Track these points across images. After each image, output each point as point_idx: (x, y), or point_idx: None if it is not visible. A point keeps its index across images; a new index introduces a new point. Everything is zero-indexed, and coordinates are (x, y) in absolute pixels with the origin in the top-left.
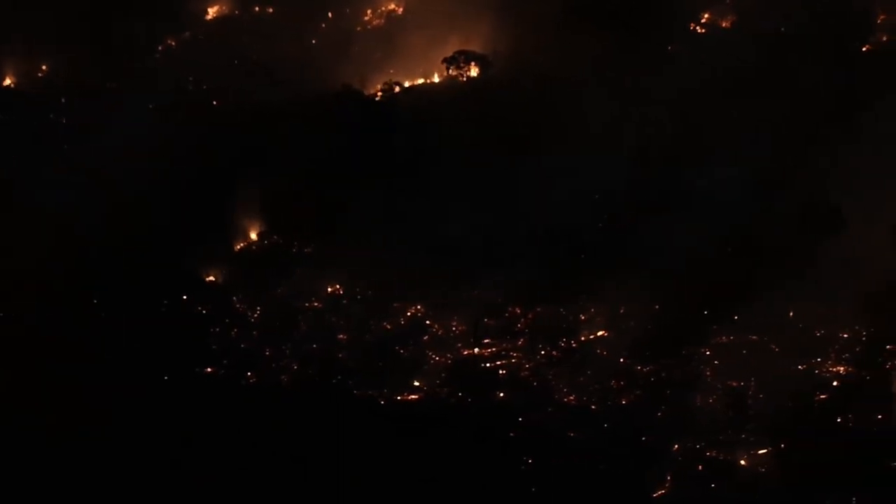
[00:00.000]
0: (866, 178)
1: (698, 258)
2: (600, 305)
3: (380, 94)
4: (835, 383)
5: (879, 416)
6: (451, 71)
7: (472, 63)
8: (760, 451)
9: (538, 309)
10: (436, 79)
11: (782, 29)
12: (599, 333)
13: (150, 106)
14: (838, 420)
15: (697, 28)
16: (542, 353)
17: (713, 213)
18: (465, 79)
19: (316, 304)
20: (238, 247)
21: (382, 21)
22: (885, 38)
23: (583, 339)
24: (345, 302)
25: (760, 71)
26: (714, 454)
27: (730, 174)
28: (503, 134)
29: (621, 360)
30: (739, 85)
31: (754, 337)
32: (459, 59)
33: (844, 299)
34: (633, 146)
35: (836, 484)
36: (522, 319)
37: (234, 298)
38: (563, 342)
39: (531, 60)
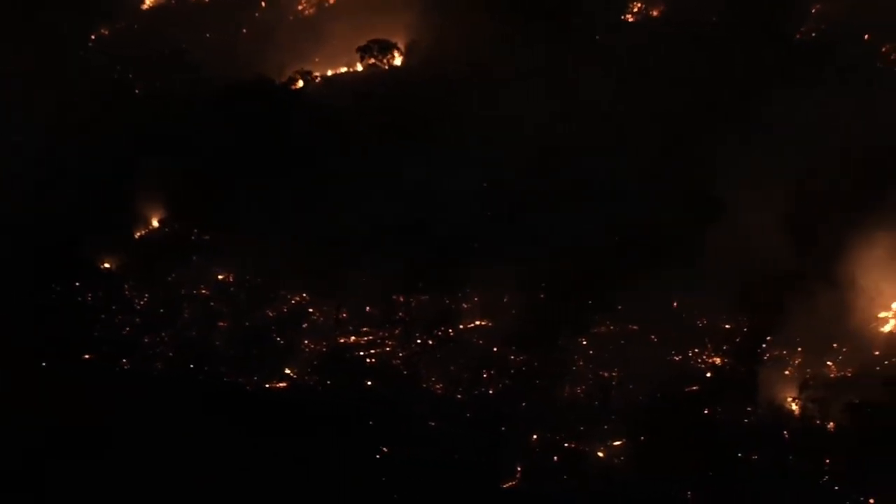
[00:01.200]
0: (753, 168)
1: (582, 247)
2: (483, 294)
3: (295, 83)
4: (708, 374)
5: (748, 409)
6: (370, 60)
7: (390, 52)
8: (617, 443)
9: (421, 297)
10: (359, 68)
11: (713, 19)
12: (478, 322)
13: (74, 96)
14: (705, 412)
15: (628, 17)
16: (418, 341)
17: (599, 202)
18: (387, 68)
19: (203, 291)
20: (138, 234)
21: (314, 10)
22: (821, 27)
23: (461, 327)
24: (232, 289)
25: (675, 61)
26: (573, 445)
27: (619, 164)
28: (407, 124)
29: (495, 349)
30: (648, 75)
31: (634, 327)
32: (374, 49)
33: (727, 290)
34: (531, 136)
35: (694, 477)
36: (403, 308)
37: (126, 286)
38: (440, 331)
39: (454, 50)
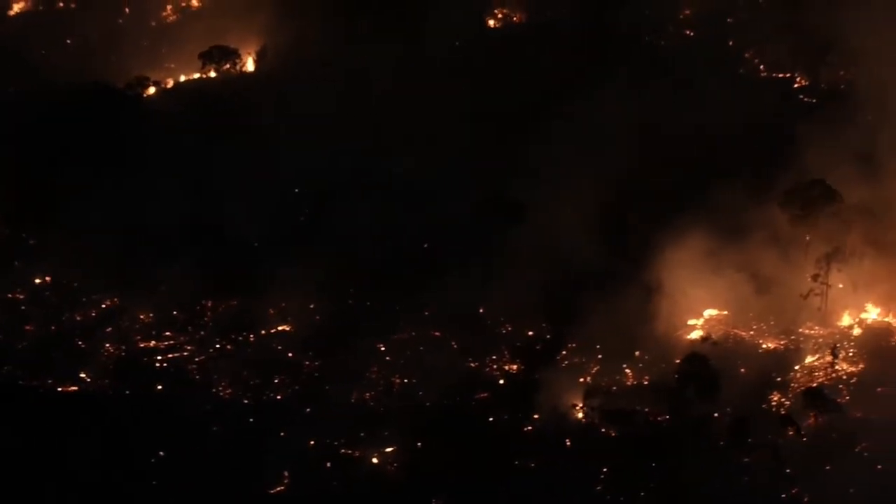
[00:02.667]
0: (563, 170)
1: (390, 251)
2: (288, 299)
3: (145, 87)
4: (501, 381)
5: (535, 416)
6: (214, 66)
7: (231, 58)
8: (390, 450)
9: (229, 302)
10: (212, 74)
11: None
12: (280, 327)
13: None
14: (490, 419)
15: (490, 22)
16: (217, 346)
17: (409, 204)
18: (237, 72)
19: (20, 295)
20: None
21: (176, 16)
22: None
23: (262, 332)
24: (47, 293)
25: (508, 63)
26: (349, 451)
27: (430, 165)
28: (240, 127)
29: (290, 354)
30: (479, 77)
31: (437, 333)
32: (214, 54)
33: (534, 296)
34: (348, 138)
35: (464, 484)
36: (208, 312)
37: None
38: (240, 336)
39: (307, 53)
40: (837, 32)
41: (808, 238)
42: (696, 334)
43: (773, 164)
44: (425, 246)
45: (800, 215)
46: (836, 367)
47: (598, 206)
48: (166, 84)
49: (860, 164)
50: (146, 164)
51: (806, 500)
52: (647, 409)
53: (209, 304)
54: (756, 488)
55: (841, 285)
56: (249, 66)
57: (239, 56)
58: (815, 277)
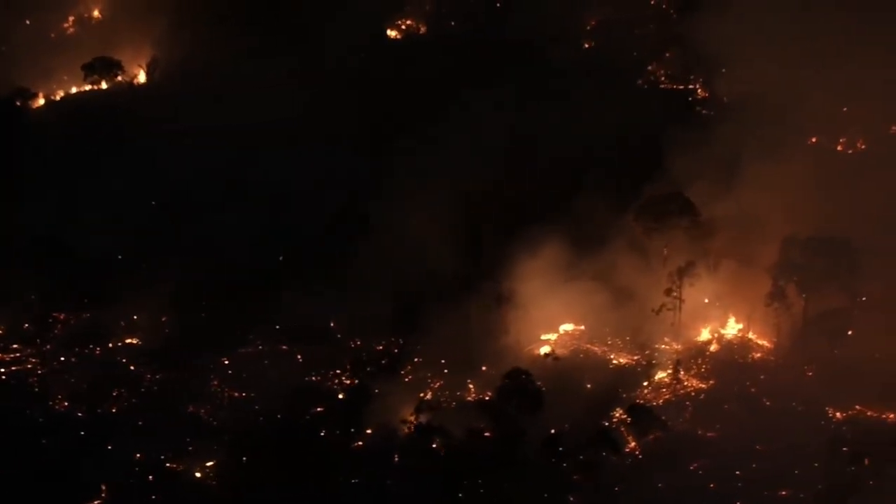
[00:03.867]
0: (415, 186)
1: (248, 266)
2: (138, 312)
3: (34, 100)
4: (340, 396)
5: (368, 431)
6: (97, 76)
7: (115, 69)
8: (210, 464)
9: (81, 314)
10: (103, 85)
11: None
12: (129, 341)
13: None
14: (322, 434)
15: (392, 33)
16: (62, 358)
17: (269, 220)
18: (126, 84)
19: None
20: None
21: (76, 29)
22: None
23: (110, 345)
24: None
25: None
26: (173, 465)
27: (290, 180)
28: (113, 138)
29: (132, 367)
30: (366, 89)
31: (284, 347)
32: (97, 66)
33: (387, 310)
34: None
35: (287, 496)
36: (60, 325)
37: None
38: (87, 348)
39: (190, 66)
40: (731, 47)
41: (665, 252)
42: (545, 349)
43: (642, 177)
44: (281, 258)
45: (654, 228)
46: (686, 383)
47: (458, 219)
48: (55, 96)
49: (726, 178)
50: (12, 175)
51: None
52: (475, 426)
53: (61, 317)
54: None
55: (706, 300)
56: (142, 77)
57: (122, 68)
58: (667, 292)
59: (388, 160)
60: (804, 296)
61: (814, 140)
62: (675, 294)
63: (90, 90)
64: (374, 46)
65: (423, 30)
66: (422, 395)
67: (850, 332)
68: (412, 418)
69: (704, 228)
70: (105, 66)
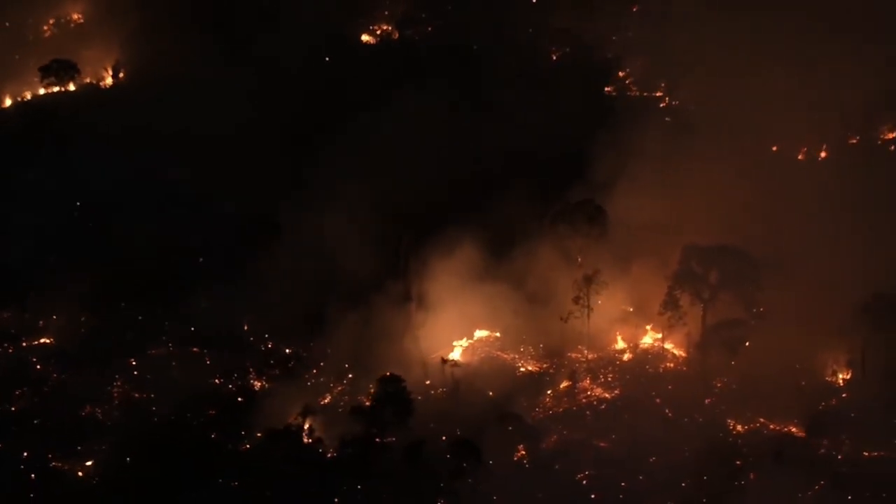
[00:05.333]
0: (334, 191)
1: (166, 269)
2: (54, 312)
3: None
4: (239, 399)
5: (259, 435)
6: (54, 77)
7: (70, 72)
8: (88, 463)
9: (4, 315)
10: (71, 87)
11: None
12: (42, 340)
13: None
14: (213, 436)
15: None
16: None
17: (189, 222)
18: (80, 87)
19: None
20: None
21: (54, 31)
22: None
23: (24, 345)
24: None
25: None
26: (58, 465)
27: (212, 184)
28: (58, 137)
29: (39, 367)
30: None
31: (194, 349)
32: (54, 67)
33: (298, 313)
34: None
35: (163, 498)
36: None
37: None
38: (1, 347)
39: (150, 69)
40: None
41: (579, 259)
42: (452, 356)
43: (567, 183)
44: (200, 260)
45: (567, 236)
46: (591, 392)
47: (376, 225)
48: (22, 97)
49: (650, 185)
50: None
51: None
52: (349, 432)
53: None
54: None
55: (630, 308)
56: (108, 80)
57: (78, 70)
58: (575, 300)
59: (306, 164)
60: (702, 306)
61: (748, 147)
62: (582, 302)
63: (57, 92)
64: (321, 51)
65: (380, 32)
66: (320, 399)
67: (747, 344)
68: (297, 422)
69: (618, 236)
70: (62, 69)
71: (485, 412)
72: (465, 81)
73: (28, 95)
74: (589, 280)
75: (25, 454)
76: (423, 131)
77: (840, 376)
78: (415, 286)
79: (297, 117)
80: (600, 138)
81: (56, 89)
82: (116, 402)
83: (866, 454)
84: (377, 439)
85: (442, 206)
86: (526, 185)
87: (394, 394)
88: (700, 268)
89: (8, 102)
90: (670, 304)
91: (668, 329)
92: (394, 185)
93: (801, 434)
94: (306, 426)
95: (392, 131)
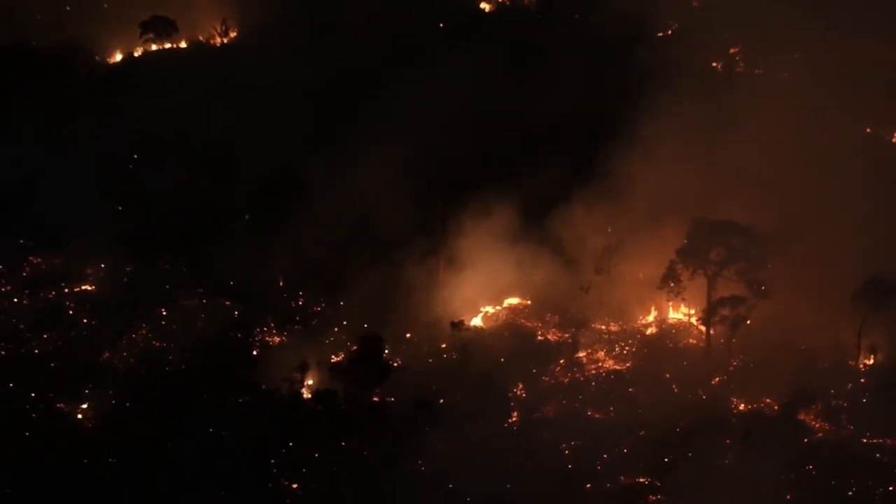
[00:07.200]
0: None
1: (203, 224)
2: (105, 261)
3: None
4: (255, 352)
5: (264, 387)
6: (154, 34)
7: (168, 29)
8: (84, 406)
9: (55, 260)
10: (183, 45)
11: None
12: (83, 287)
13: None
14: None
15: None
16: (15, 300)
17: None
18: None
19: None
20: None
21: None
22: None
23: (65, 290)
24: None
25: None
26: (60, 406)
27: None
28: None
29: (72, 312)
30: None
31: (228, 302)
32: (154, 23)
33: (327, 271)
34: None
35: (150, 442)
36: (27, 266)
37: None
38: (42, 291)
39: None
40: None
41: (609, 230)
42: (477, 321)
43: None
44: (247, 217)
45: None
46: (603, 364)
47: (407, 187)
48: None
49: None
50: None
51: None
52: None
53: (34, 260)
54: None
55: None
56: (217, 39)
57: (176, 28)
58: (597, 271)
59: (337, 122)
60: (707, 281)
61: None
62: (604, 273)
63: (175, 48)
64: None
65: None
66: (333, 357)
67: (748, 322)
68: (299, 378)
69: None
70: (161, 25)
71: (488, 377)
72: (516, 46)
73: (139, 51)
74: (610, 250)
75: (33, 395)
76: (456, 93)
77: (861, 360)
78: (445, 249)
79: (343, 73)
80: (645, 108)
81: (154, 47)
82: (136, 349)
83: (864, 441)
84: (353, 396)
85: (477, 169)
86: (566, 152)
87: (371, 352)
88: (703, 241)
89: (118, 57)
90: (670, 276)
91: (670, 302)
92: (426, 145)
93: (805, 417)
94: (302, 382)
95: (438, 90)
